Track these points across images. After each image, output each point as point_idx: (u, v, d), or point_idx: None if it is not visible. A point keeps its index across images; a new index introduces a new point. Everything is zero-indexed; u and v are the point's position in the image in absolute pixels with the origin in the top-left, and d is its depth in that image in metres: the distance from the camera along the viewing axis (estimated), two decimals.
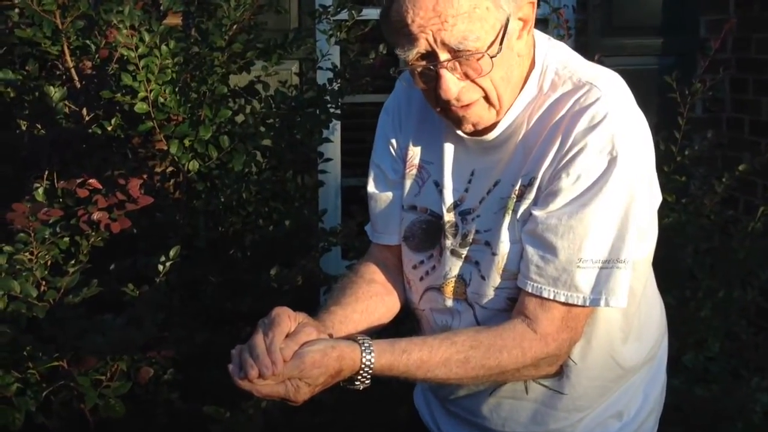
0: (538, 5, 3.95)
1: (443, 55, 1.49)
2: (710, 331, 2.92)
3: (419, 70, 1.53)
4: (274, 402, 2.42)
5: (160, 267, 2.36)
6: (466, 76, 1.52)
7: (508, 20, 1.50)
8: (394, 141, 1.78)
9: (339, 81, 3.24)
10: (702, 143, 3.28)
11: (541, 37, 1.64)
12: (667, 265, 2.97)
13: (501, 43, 1.49)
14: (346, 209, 4.00)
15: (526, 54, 1.58)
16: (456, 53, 1.48)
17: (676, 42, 4.22)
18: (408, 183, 1.76)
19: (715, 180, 3.25)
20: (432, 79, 1.53)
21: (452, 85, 1.51)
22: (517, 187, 1.58)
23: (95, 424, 2.32)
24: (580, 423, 1.73)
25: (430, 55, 1.50)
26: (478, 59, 1.49)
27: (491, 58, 1.49)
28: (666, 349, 1.90)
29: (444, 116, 1.61)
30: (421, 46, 1.49)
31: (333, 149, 3.82)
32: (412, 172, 1.75)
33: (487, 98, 1.55)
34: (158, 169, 2.90)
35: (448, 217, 1.69)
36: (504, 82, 1.54)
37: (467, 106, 1.55)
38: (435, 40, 1.47)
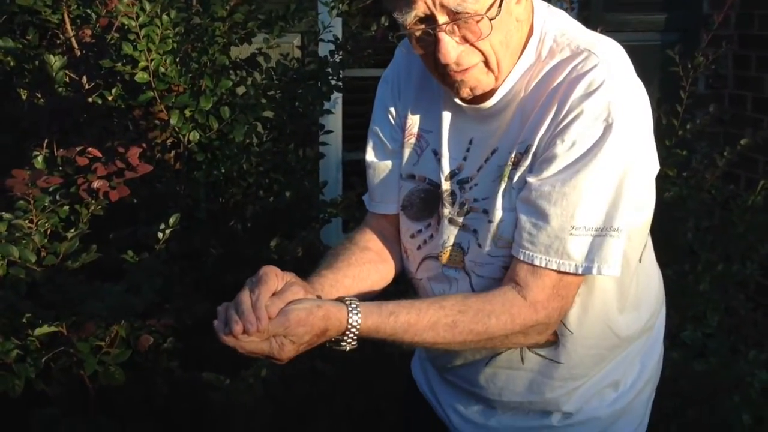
0: None
1: (441, 18, 1.48)
2: (709, 305, 2.93)
3: (418, 34, 1.52)
4: (274, 371, 2.44)
5: (160, 235, 2.35)
6: (465, 39, 1.51)
7: None
8: (392, 110, 1.77)
9: (341, 53, 3.23)
10: (704, 117, 3.27)
11: (539, 4, 1.63)
12: (667, 239, 2.97)
13: (500, 6, 1.48)
14: (347, 182, 4.00)
15: (525, 20, 1.57)
16: (455, 15, 1.47)
17: (679, 18, 4.21)
18: (407, 152, 1.75)
19: (716, 154, 3.25)
20: (430, 44, 1.52)
21: (451, 48, 1.50)
22: (514, 155, 1.58)
23: (95, 392, 2.33)
24: (576, 392, 1.74)
25: (429, 19, 1.49)
26: (478, 21, 1.48)
27: (490, 20, 1.48)
28: (664, 320, 1.90)
29: (442, 82, 1.60)
30: (420, 9, 1.48)
31: (334, 121, 3.82)
32: (410, 140, 1.75)
33: (486, 63, 1.54)
34: (158, 140, 2.89)
35: (446, 185, 1.68)
36: (503, 47, 1.53)
37: (466, 70, 1.54)
38: (433, 3, 1.46)
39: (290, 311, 1.44)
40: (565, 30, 1.60)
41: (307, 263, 2.94)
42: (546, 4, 1.65)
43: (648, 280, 1.79)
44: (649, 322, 1.81)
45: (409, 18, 1.49)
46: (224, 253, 2.89)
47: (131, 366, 2.33)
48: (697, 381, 2.76)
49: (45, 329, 2.09)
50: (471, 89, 1.57)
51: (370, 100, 1.84)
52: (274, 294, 1.47)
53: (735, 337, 3.09)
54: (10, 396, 2.12)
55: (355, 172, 3.39)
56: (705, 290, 2.97)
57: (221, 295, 2.82)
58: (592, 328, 1.68)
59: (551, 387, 1.73)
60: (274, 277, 1.49)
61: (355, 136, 4.00)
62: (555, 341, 1.67)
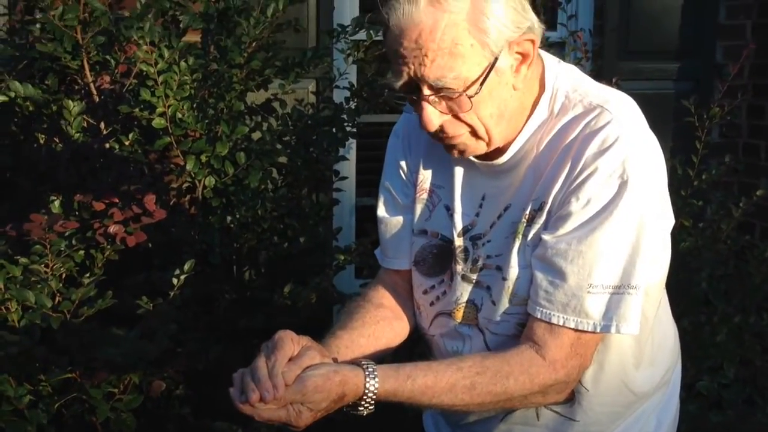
0: (555, 28, 3.96)
1: (425, 89, 1.49)
2: (726, 356, 2.90)
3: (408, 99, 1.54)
4: None
5: (175, 280, 2.36)
6: (451, 110, 1.52)
7: (495, 60, 1.48)
8: (404, 164, 1.77)
9: (356, 100, 3.25)
10: (719, 167, 3.27)
11: (550, 60, 1.63)
12: (682, 290, 2.95)
13: (482, 84, 1.48)
14: (361, 228, 4.00)
15: (527, 87, 1.56)
16: (436, 89, 1.49)
17: (692, 67, 4.23)
18: (418, 207, 1.75)
19: (732, 205, 3.24)
20: (421, 109, 1.53)
21: (433, 118, 1.51)
22: (528, 212, 1.57)
23: None
24: None
25: (415, 88, 1.51)
26: (457, 98, 1.49)
27: (470, 98, 1.48)
28: (679, 375, 1.88)
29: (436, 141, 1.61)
30: (404, 78, 1.49)
31: (348, 167, 3.83)
32: (422, 196, 1.74)
33: (473, 132, 1.54)
34: (174, 185, 2.91)
35: (459, 241, 1.68)
36: (493, 119, 1.53)
37: (453, 137, 1.55)
38: (416, 74, 1.48)
39: (307, 378, 1.44)
40: (577, 86, 1.59)
41: (321, 309, 2.94)
42: (557, 59, 1.65)
43: (663, 335, 1.78)
44: (665, 377, 1.79)
45: (398, 84, 1.51)
46: (238, 299, 2.89)
47: (143, 412, 2.32)
48: None
49: (58, 376, 2.09)
50: (460, 152, 1.58)
51: (384, 145, 1.84)
52: (290, 359, 1.46)
53: (751, 389, 3.05)
54: None
55: (369, 218, 3.38)
56: (722, 342, 2.94)
57: (234, 340, 2.83)
58: (608, 386, 1.66)
59: None
60: (290, 342, 1.48)
61: (369, 181, 4.01)
62: (571, 398, 1.65)
